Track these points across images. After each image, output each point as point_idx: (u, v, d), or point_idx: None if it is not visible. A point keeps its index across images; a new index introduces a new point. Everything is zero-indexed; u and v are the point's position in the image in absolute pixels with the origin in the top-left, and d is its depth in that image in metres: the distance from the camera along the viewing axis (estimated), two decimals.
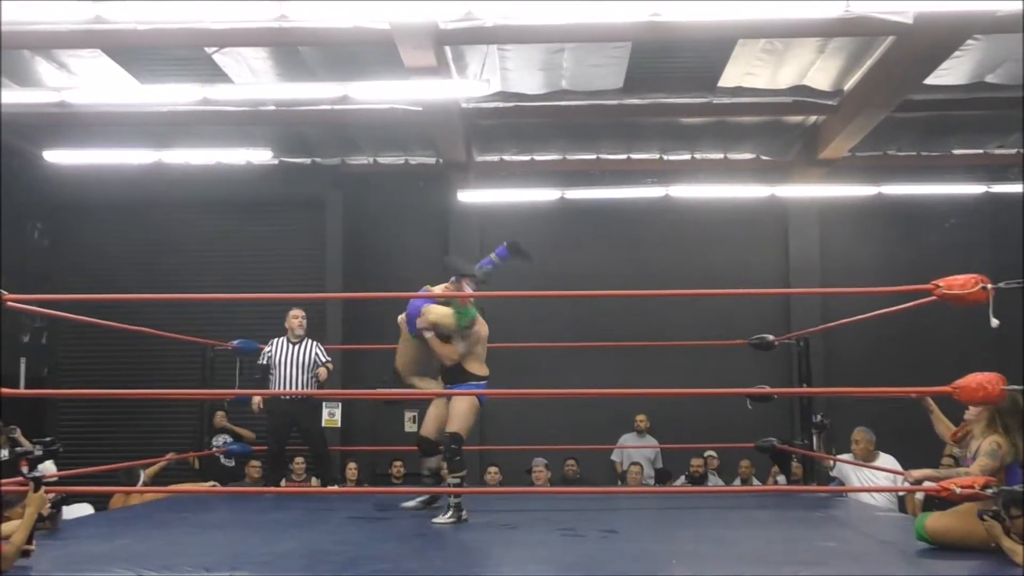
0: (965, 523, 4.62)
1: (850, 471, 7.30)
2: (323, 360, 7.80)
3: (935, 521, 4.78)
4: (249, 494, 7.97)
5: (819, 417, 7.63)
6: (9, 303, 4.80)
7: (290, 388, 7.65)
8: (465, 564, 4.91)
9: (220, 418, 9.42)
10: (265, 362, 7.74)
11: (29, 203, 11.73)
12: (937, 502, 5.08)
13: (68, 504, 5.95)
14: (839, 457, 7.43)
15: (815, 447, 7.64)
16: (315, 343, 7.90)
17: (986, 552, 4.50)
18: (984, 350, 8.45)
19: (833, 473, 7.51)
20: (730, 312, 10.71)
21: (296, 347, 7.77)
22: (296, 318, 7.85)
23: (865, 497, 7.10)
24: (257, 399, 7.63)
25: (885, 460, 7.19)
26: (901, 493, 7.22)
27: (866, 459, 7.20)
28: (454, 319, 5.97)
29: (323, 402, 11.03)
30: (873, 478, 7.10)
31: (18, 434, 7.24)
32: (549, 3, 6.88)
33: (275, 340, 7.83)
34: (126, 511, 6.97)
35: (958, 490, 4.48)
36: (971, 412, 4.97)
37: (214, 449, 8.76)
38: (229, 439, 9.09)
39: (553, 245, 12.07)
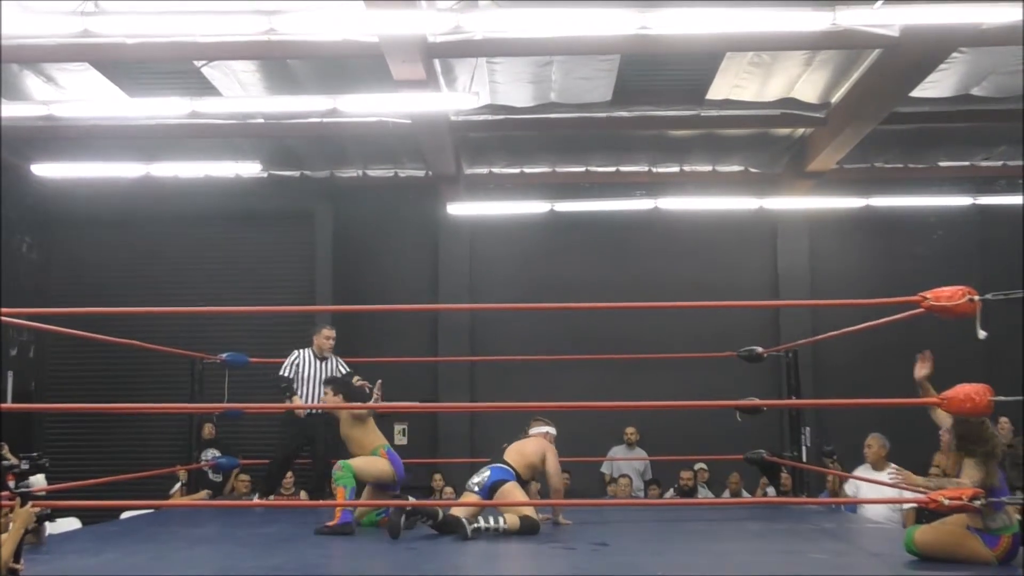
0: (953, 536, 4.64)
1: (859, 483, 7.30)
2: (347, 371, 7.84)
3: (924, 534, 4.80)
4: (238, 508, 7.94)
5: (828, 447, 7.70)
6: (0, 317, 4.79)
7: (315, 403, 7.62)
8: None
9: (209, 431, 9.39)
10: (291, 374, 7.67)
11: (18, 217, 11.67)
12: (927, 513, 5.08)
13: (54, 519, 5.91)
14: (843, 474, 7.44)
15: (828, 477, 7.65)
16: (338, 358, 7.91)
17: (973, 565, 4.52)
18: (973, 361, 8.48)
19: (849, 490, 7.52)
20: (719, 324, 10.71)
21: (323, 364, 7.77)
22: (329, 339, 7.81)
23: (867, 509, 7.12)
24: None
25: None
26: (905, 506, 7.19)
27: (876, 465, 7.18)
28: None
29: None
30: (878, 487, 7.11)
31: (5, 449, 7.19)
32: (538, 16, 6.89)
33: (300, 352, 7.76)
34: (114, 525, 6.93)
35: (946, 502, 4.49)
36: (944, 439, 4.97)
37: (203, 463, 8.73)
38: (218, 453, 9.07)
39: (542, 257, 12.10)
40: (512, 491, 6.07)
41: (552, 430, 6.63)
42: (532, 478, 6.43)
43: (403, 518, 5.67)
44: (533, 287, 11.74)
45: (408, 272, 12.18)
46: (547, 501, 6.49)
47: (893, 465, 5.00)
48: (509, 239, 12.10)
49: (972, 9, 6.54)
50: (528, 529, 5.84)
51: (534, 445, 6.45)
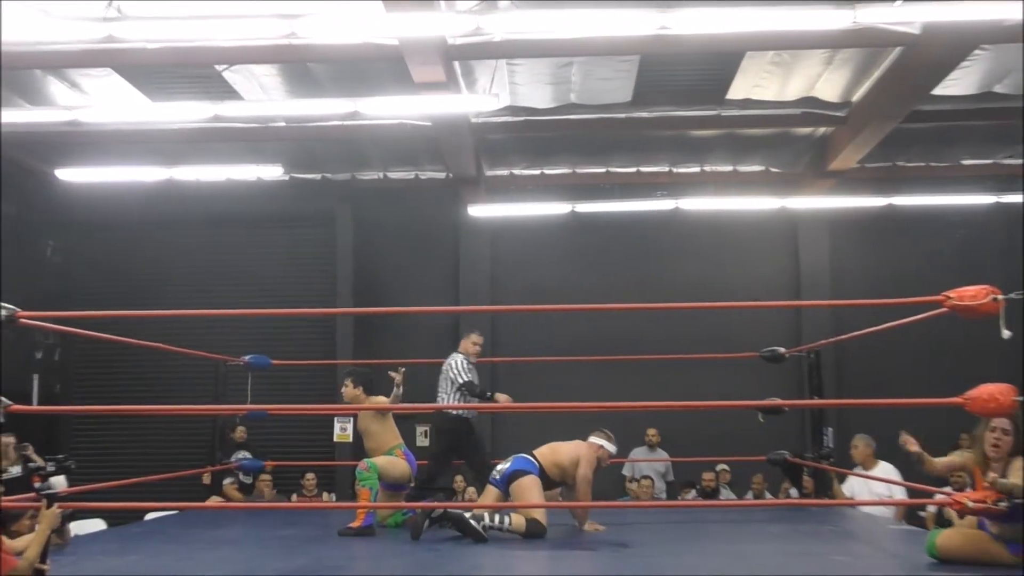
0: (976, 541, 4.60)
1: (854, 483, 7.34)
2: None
3: (946, 539, 4.76)
4: (262, 509, 7.99)
5: (825, 449, 7.71)
6: (23, 320, 4.84)
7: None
8: None
9: (240, 434, 9.42)
10: (473, 379, 7.49)
11: (42, 221, 11.80)
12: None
13: (79, 519, 5.96)
14: (841, 470, 7.45)
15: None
16: None
17: (996, 569, 4.48)
18: (996, 361, 8.40)
19: (845, 491, 7.54)
20: (741, 324, 10.69)
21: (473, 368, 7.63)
22: (476, 344, 7.63)
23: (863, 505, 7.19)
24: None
25: (884, 468, 7.23)
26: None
27: (865, 464, 7.32)
28: None
29: (335, 418, 11.05)
30: (873, 486, 7.16)
31: (30, 451, 7.26)
32: (557, 17, 6.90)
33: (461, 360, 7.51)
34: (139, 526, 6.99)
35: (970, 504, 4.46)
36: (1004, 441, 4.68)
37: (228, 464, 8.76)
38: (248, 455, 9.07)
39: (563, 258, 12.11)
40: (529, 486, 5.94)
41: (608, 446, 6.28)
42: (561, 480, 6.21)
43: (427, 521, 5.67)
44: (554, 288, 11.74)
45: (429, 274, 12.20)
46: (561, 503, 6.45)
47: (912, 442, 4.85)
48: (530, 241, 12.12)
49: (994, 5, 6.49)
50: (533, 532, 5.72)
51: (572, 446, 6.25)
